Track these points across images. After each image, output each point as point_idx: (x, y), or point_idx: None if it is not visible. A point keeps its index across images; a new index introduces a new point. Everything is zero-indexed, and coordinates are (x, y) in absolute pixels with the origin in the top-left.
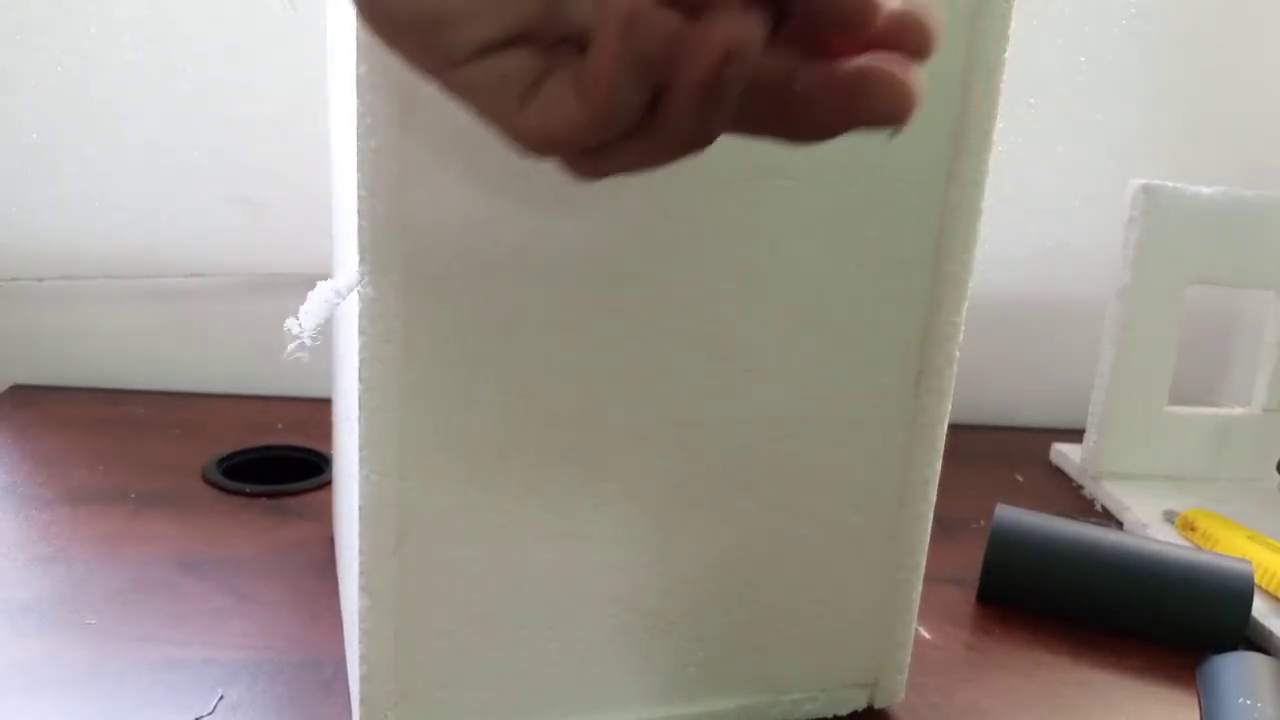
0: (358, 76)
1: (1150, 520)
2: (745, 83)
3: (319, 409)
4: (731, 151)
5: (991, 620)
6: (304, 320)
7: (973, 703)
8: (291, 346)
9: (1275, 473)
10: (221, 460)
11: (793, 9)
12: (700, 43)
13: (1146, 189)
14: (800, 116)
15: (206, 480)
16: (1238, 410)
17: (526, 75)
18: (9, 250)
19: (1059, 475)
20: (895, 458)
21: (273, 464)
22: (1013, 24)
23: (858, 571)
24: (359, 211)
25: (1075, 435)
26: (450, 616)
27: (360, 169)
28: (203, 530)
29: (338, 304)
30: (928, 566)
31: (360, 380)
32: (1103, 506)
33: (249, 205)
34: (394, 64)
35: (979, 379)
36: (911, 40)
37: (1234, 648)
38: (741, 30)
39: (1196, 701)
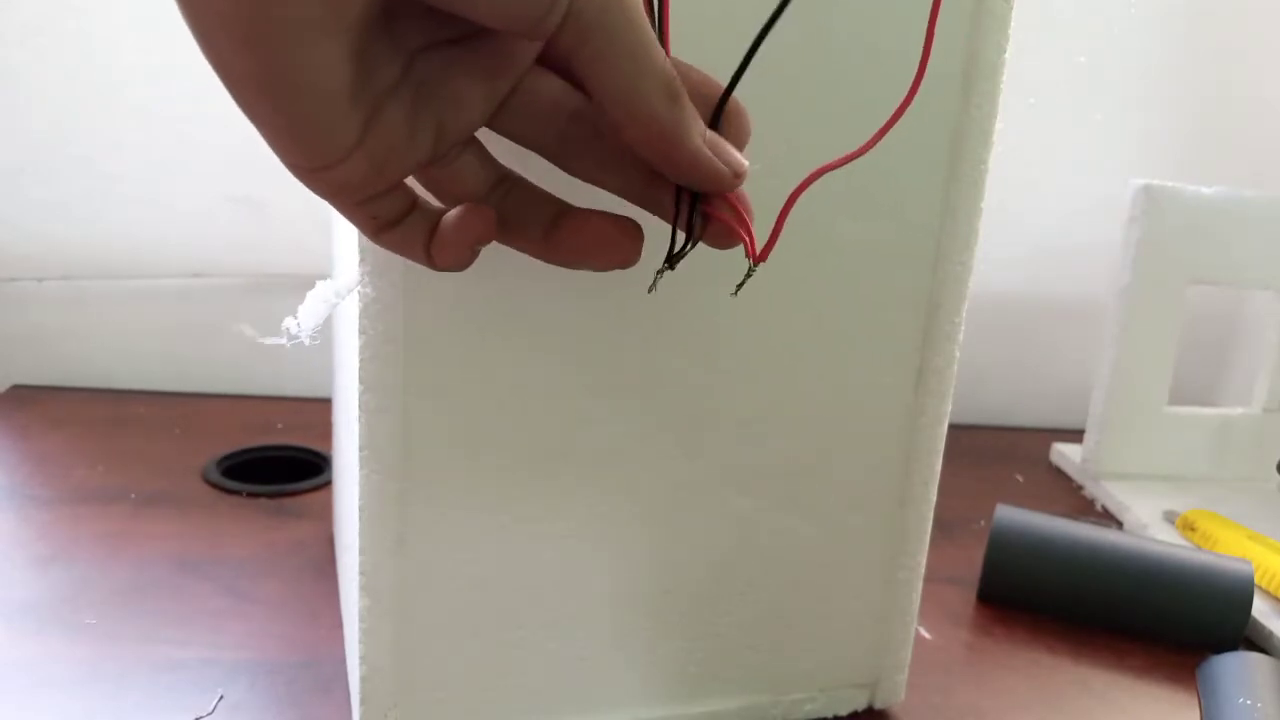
0: None
1: (1150, 520)
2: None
3: (319, 409)
4: None
5: (992, 620)
6: (303, 320)
7: (973, 703)
8: (279, 340)
9: (1275, 473)
10: (221, 460)
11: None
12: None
13: (1146, 189)
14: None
15: (206, 480)
16: (1238, 410)
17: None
18: (9, 250)
19: (1059, 475)
20: (895, 458)
21: (273, 464)
22: (1013, 24)
23: (858, 571)
24: None
25: (1075, 435)
26: (450, 616)
27: None
28: (202, 530)
29: (337, 304)
30: (928, 566)
31: (360, 380)
32: (1103, 506)
33: (249, 205)
34: None
35: (979, 379)
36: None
37: (1234, 648)
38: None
39: (1196, 701)
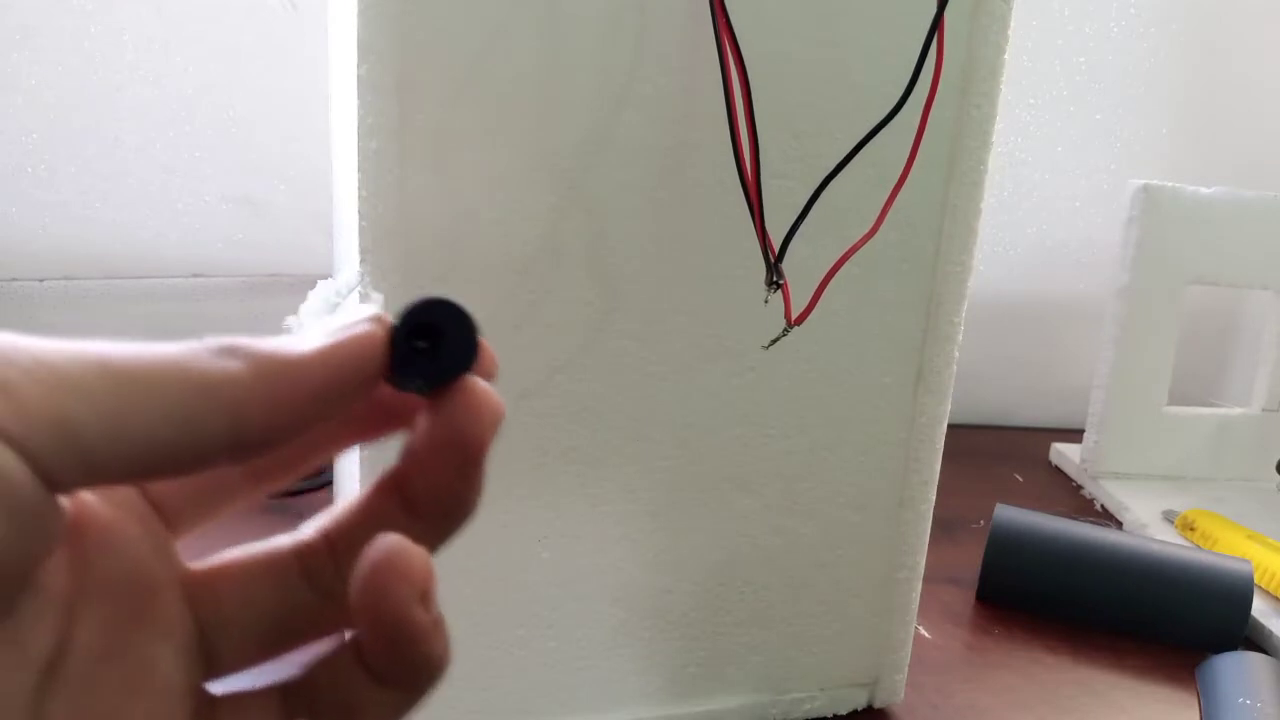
0: (359, 77)
1: (1149, 520)
2: None
3: None
4: (732, 156)
5: (991, 620)
6: (304, 320)
7: (972, 702)
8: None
9: (1275, 473)
10: None
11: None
12: None
13: (1146, 189)
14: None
15: None
16: (1237, 410)
17: None
18: (9, 250)
19: (1058, 475)
20: (895, 457)
21: None
22: (1012, 24)
23: (857, 571)
24: (359, 212)
25: (1075, 435)
26: (450, 616)
27: (361, 170)
28: (204, 530)
29: (338, 304)
30: (927, 566)
31: None
32: (1102, 506)
33: (249, 205)
34: (395, 65)
35: (979, 379)
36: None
37: (1234, 647)
38: None
39: (1196, 701)
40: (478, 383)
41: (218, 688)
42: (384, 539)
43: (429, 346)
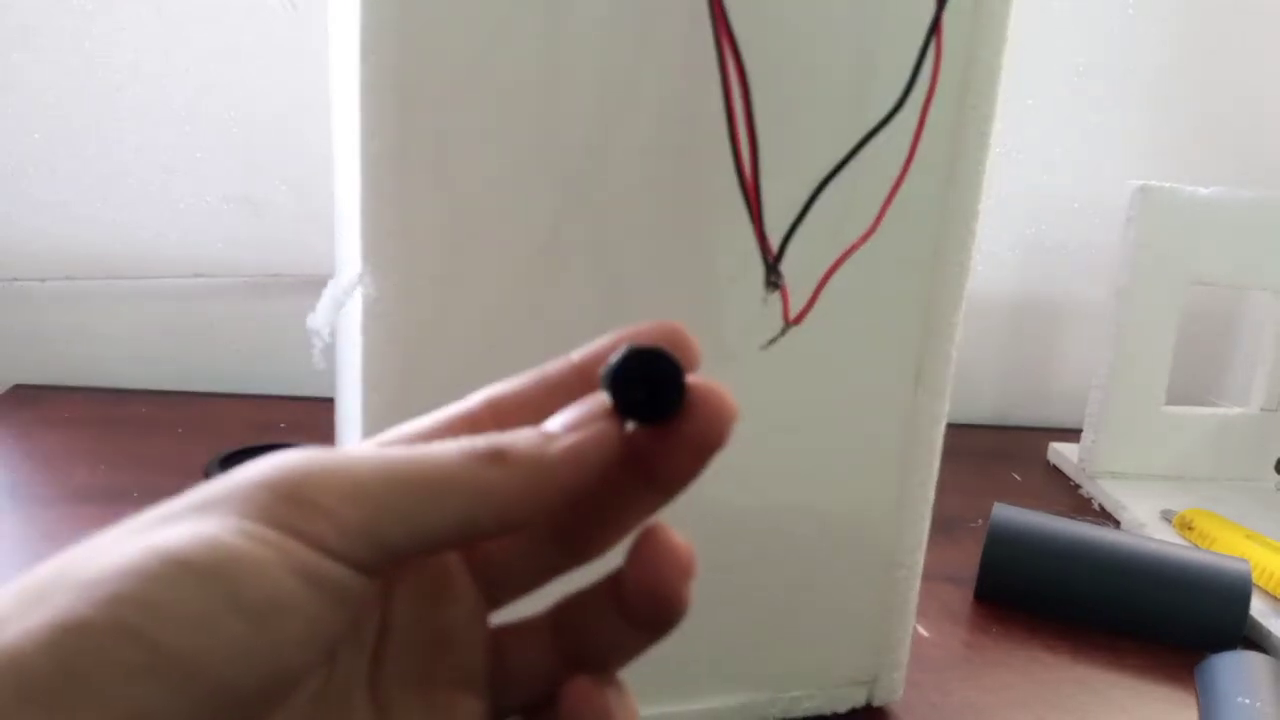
0: (360, 78)
1: (1147, 519)
2: None
3: (321, 408)
4: (731, 159)
5: (989, 619)
6: (318, 319)
7: (970, 700)
8: (318, 347)
9: (1273, 472)
10: (224, 460)
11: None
12: None
13: (1144, 189)
14: None
15: (209, 479)
16: (1235, 410)
17: None
18: (11, 250)
19: (1057, 474)
20: (894, 457)
21: None
22: (1011, 25)
23: (856, 570)
24: (361, 212)
25: (1073, 435)
26: None
27: (362, 170)
28: None
29: (344, 301)
30: (926, 565)
31: (364, 380)
32: (1100, 506)
33: (249, 205)
34: (396, 66)
35: (977, 378)
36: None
37: (1232, 647)
38: None
39: (1195, 701)
40: (714, 396)
41: (497, 619)
42: (660, 529)
43: (646, 393)
